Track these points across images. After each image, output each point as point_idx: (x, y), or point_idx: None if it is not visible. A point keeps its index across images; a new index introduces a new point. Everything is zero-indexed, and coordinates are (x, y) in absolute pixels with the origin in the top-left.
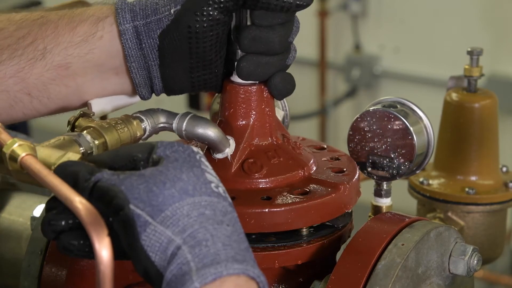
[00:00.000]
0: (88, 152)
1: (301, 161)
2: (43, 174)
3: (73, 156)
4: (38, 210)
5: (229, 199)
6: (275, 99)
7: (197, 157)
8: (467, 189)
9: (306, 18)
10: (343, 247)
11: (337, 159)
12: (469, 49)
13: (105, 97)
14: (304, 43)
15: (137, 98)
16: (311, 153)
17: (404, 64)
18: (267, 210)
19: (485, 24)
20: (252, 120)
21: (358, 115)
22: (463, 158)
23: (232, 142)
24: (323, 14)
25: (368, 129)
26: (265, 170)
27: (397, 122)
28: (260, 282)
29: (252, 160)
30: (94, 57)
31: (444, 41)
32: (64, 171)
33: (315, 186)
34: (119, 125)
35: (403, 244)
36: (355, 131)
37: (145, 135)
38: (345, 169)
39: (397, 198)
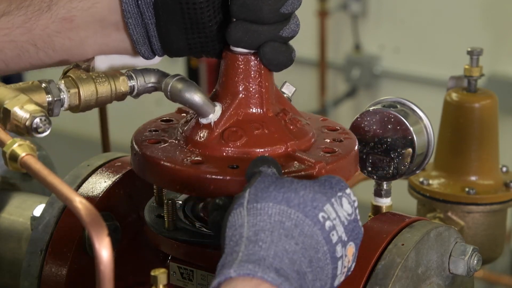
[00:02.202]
0: (55, 99)
1: (287, 137)
2: (43, 174)
3: (22, 98)
4: (38, 210)
5: (331, 236)
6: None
7: (337, 191)
8: (467, 189)
9: (306, 18)
10: None
11: (340, 140)
12: (469, 49)
13: (109, 56)
14: (304, 43)
15: (140, 60)
16: (313, 132)
17: (404, 64)
18: (227, 177)
19: (485, 24)
20: (242, 89)
21: (358, 115)
22: (463, 158)
23: (218, 109)
24: (323, 14)
25: (368, 129)
26: (244, 140)
27: (397, 122)
28: None
29: (234, 129)
30: (96, 11)
31: (444, 41)
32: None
33: (293, 163)
34: (99, 78)
35: (403, 244)
36: (355, 131)
37: (134, 93)
38: (336, 150)
39: (397, 198)
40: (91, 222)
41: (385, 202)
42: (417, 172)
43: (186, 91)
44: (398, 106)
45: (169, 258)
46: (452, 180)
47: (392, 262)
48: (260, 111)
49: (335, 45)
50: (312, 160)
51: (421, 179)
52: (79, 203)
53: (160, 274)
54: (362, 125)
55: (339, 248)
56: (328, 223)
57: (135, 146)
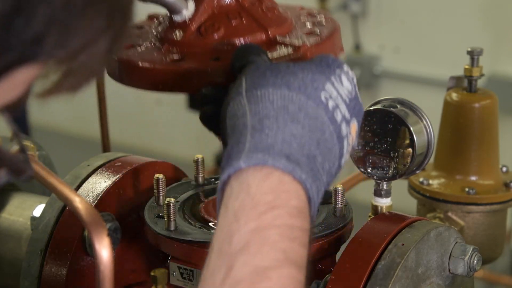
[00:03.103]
0: None
1: (267, 23)
2: (43, 174)
3: None
4: (38, 210)
5: (336, 116)
6: None
7: (335, 69)
8: (467, 189)
9: None
10: (343, 247)
11: (321, 24)
12: (469, 49)
13: None
14: None
15: None
16: (291, 17)
17: (404, 64)
18: (210, 69)
19: (485, 24)
20: None
21: None
22: (463, 158)
23: (191, 4)
24: None
25: (368, 129)
26: (222, 32)
27: (397, 122)
28: (307, 189)
29: (211, 22)
30: None
31: (444, 41)
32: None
33: (276, 48)
34: None
35: (403, 244)
36: None
37: None
38: (319, 32)
39: (397, 198)
40: (91, 222)
41: (385, 202)
42: (417, 172)
43: None
44: (398, 106)
45: (169, 258)
46: (452, 180)
47: (392, 262)
48: (235, 1)
49: None
50: (295, 42)
51: (421, 179)
52: (79, 203)
53: (160, 274)
54: (362, 125)
55: (344, 126)
56: (331, 103)
57: None
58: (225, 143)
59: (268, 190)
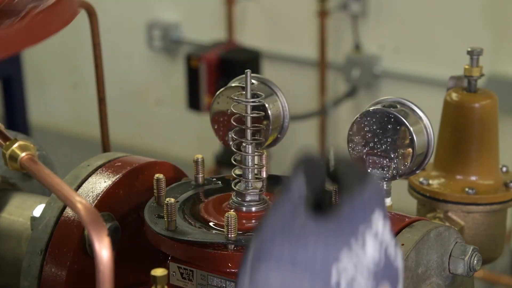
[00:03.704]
0: None
1: None
2: (43, 174)
3: None
4: (38, 210)
5: None
6: None
7: (358, 227)
8: (467, 189)
9: (306, 18)
10: None
11: None
12: (469, 49)
13: None
14: (304, 43)
15: None
16: None
17: (404, 64)
18: None
19: (485, 24)
20: None
21: (358, 115)
22: (463, 158)
23: None
24: (323, 14)
25: (368, 129)
26: None
27: (397, 122)
28: None
29: None
30: None
31: (444, 41)
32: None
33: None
34: None
35: (403, 244)
36: (355, 131)
37: None
38: None
39: (397, 198)
40: (91, 222)
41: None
42: (417, 172)
43: None
44: (398, 106)
45: (169, 258)
46: (452, 180)
47: None
48: None
49: (335, 45)
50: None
51: (421, 179)
52: (79, 203)
53: (160, 274)
54: (362, 125)
55: None
56: (343, 282)
57: None
58: None
59: None
